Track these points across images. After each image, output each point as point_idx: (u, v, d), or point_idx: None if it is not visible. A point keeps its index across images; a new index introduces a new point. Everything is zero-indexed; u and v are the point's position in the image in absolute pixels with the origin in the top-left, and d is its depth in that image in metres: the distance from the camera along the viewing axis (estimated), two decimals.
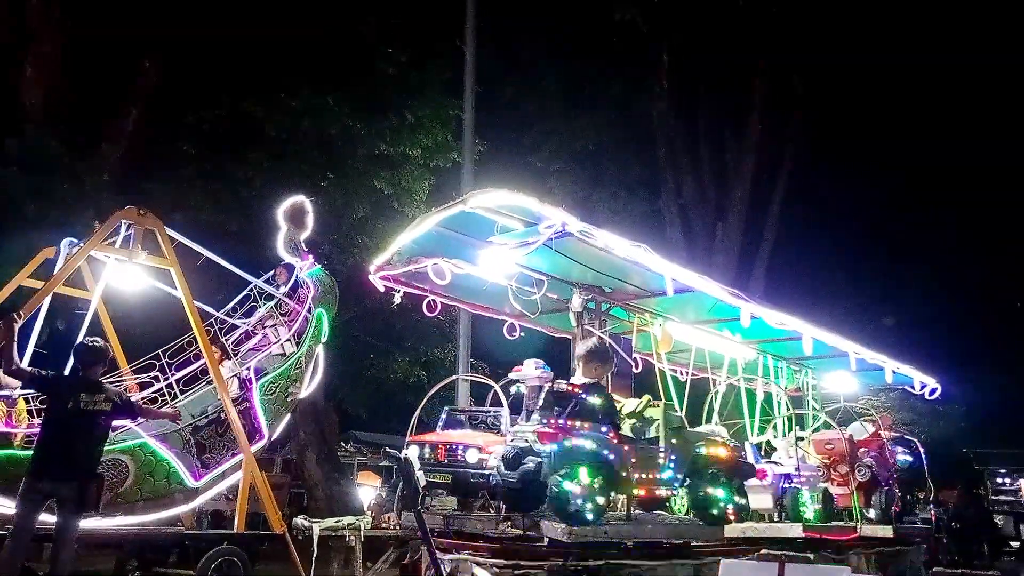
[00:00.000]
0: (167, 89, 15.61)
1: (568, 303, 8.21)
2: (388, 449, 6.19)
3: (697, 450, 6.92)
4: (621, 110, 21.14)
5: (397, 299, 8.15)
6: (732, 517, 6.95)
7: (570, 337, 8.64)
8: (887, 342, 11.54)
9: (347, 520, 9.73)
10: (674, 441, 6.77)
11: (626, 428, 6.75)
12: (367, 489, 15.13)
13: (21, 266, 8.37)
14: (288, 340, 8.98)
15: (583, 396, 6.26)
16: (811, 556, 6.75)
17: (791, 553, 6.39)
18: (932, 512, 11.94)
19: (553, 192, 19.98)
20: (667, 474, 6.57)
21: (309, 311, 9.05)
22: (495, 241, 6.95)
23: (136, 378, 8.45)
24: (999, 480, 17.97)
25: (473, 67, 13.32)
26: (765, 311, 8.44)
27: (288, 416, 9.04)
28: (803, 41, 19.86)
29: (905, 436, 11.44)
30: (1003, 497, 17.70)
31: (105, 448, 6.72)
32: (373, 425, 23.25)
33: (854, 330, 10.47)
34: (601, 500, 6.03)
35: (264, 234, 15.27)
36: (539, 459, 5.80)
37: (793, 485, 8.25)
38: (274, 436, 8.71)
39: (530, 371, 6.61)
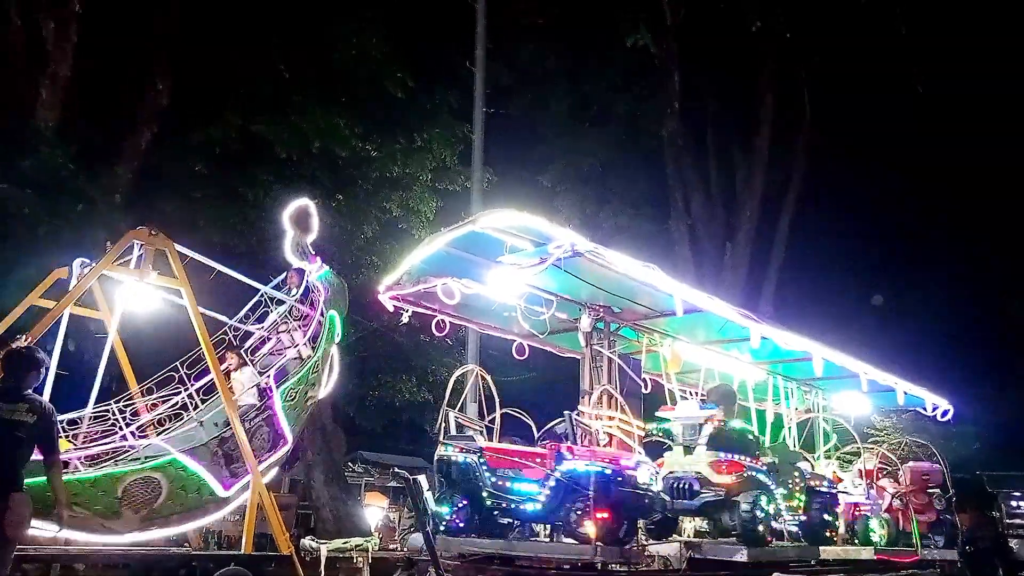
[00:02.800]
0: (178, 109, 15.78)
1: (577, 323, 8.19)
2: (397, 470, 6.20)
3: (809, 481, 7.55)
4: (628, 127, 21.23)
5: (405, 318, 8.17)
6: (836, 540, 7.61)
7: (579, 357, 8.62)
8: (899, 362, 11.47)
9: (355, 541, 9.70)
10: (795, 474, 7.39)
11: None
12: (374, 510, 15.07)
13: (33, 287, 8.41)
14: (304, 344, 8.97)
15: (740, 432, 6.91)
16: None
17: None
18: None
19: (559, 211, 20.06)
20: (794, 502, 7.17)
21: (322, 314, 9.02)
22: (504, 261, 6.96)
23: (149, 399, 8.43)
24: (1014, 503, 17.69)
25: (483, 90, 13.44)
26: (775, 331, 8.40)
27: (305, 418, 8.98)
28: (813, 60, 19.93)
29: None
30: (1018, 520, 17.42)
31: (137, 467, 6.61)
32: (381, 445, 23.18)
33: (865, 350, 10.42)
34: (775, 525, 6.67)
35: (272, 256, 15.39)
36: (719, 489, 6.35)
37: (863, 512, 8.81)
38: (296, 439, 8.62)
39: (687, 410, 7.20)
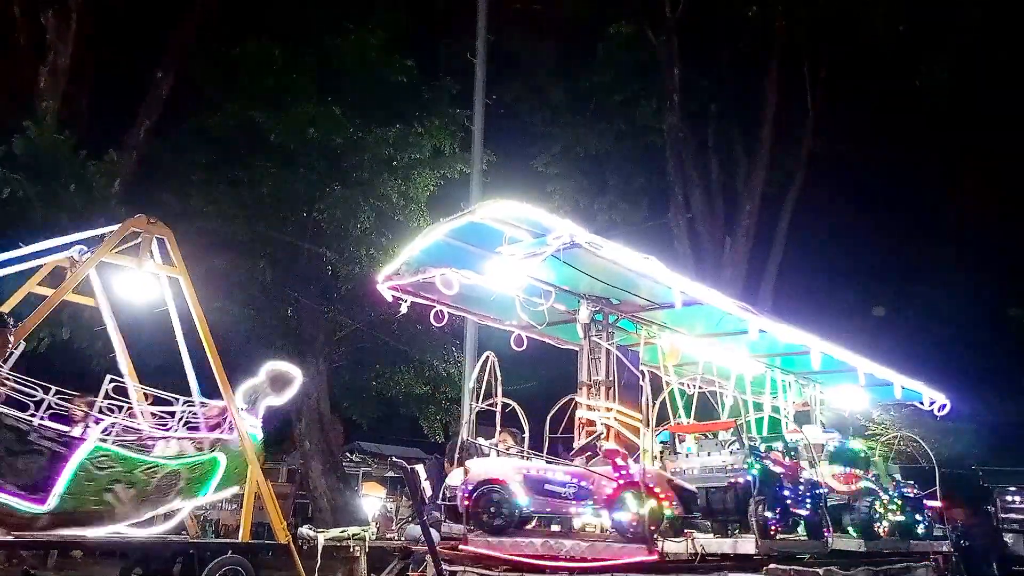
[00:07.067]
0: (178, 98, 15.74)
1: (575, 314, 8.18)
2: (395, 459, 6.18)
3: (903, 488, 8.85)
4: (627, 121, 21.14)
5: (404, 309, 8.14)
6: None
7: (576, 349, 8.61)
8: (897, 357, 11.49)
9: (352, 531, 9.71)
10: (892, 483, 8.72)
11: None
12: (372, 500, 15.09)
13: (29, 274, 8.37)
14: (168, 441, 7.87)
15: (854, 451, 8.39)
16: (820, 572, 6.83)
17: (799, 568, 6.55)
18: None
19: (552, 196, 19.98)
20: (892, 505, 8.38)
21: (210, 446, 8.03)
22: (503, 251, 6.95)
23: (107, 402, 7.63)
24: (1009, 499, 17.74)
25: (483, 81, 13.39)
26: (773, 324, 8.40)
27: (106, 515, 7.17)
28: (816, 54, 19.87)
29: None
30: (1013, 515, 17.48)
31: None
32: (378, 436, 23.22)
33: (864, 346, 10.43)
34: (884, 523, 8.06)
35: (266, 246, 15.38)
36: (841, 496, 7.80)
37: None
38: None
39: (814, 432, 8.89)
